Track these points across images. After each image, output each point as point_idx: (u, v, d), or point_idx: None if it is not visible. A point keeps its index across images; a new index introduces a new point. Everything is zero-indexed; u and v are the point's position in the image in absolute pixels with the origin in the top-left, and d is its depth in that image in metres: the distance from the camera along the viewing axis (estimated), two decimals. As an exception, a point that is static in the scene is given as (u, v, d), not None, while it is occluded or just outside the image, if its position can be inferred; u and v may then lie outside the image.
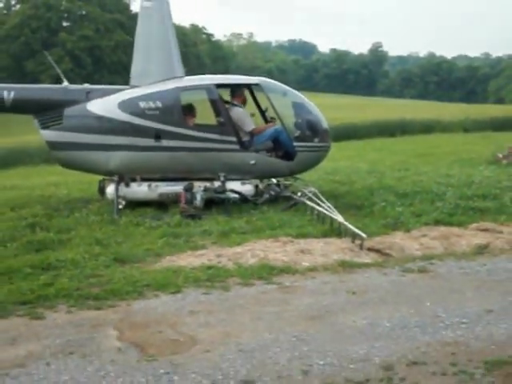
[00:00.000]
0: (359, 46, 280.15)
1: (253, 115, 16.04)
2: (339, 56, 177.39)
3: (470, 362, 6.75)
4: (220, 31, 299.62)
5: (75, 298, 8.87)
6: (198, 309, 8.46)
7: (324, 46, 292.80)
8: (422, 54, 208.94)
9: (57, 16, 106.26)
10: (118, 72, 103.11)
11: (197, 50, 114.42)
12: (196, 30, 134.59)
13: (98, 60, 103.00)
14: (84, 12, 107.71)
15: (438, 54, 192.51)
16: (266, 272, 9.97)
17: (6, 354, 7.13)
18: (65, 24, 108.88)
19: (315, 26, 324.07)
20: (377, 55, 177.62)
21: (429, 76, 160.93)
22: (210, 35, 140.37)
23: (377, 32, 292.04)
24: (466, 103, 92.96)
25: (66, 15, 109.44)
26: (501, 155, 23.53)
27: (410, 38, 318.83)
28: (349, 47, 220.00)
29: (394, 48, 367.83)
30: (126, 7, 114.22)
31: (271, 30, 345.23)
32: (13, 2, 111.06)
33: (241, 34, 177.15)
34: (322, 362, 6.75)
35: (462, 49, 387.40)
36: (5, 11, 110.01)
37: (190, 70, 16.61)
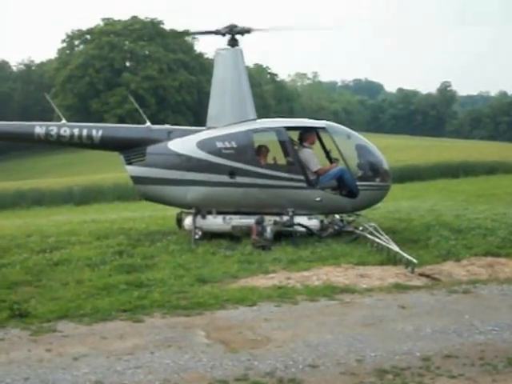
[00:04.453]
0: (427, 86, 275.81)
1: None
2: (406, 96, 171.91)
3: (496, 357, 8.26)
4: (284, 71, 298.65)
5: (167, 307, 10.66)
6: (272, 317, 10.13)
7: (391, 86, 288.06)
8: (493, 93, 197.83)
9: (120, 56, 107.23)
10: (181, 112, 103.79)
11: (261, 90, 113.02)
12: (260, 69, 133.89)
13: (161, 100, 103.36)
14: (147, 52, 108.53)
15: (510, 93, 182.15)
16: (329, 291, 11.57)
17: (116, 346, 8.94)
18: (128, 64, 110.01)
19: (381, 65, 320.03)
20: (445, 95, 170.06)
21: (500, 116, 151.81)
22: (274, 75, 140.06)
23: (445, 70, 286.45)
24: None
25: (129, 55, 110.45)
26: None
27: (479, 76, 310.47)
28: (416, 87, 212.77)
29: (464, 87, 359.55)
30: (190, 47, 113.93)
31: (336, 70, 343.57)
32: (76, 43, 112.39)
33: (305, 74, 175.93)
34: (373, 354, 8.37)
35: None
36: (67, 51, 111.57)
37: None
